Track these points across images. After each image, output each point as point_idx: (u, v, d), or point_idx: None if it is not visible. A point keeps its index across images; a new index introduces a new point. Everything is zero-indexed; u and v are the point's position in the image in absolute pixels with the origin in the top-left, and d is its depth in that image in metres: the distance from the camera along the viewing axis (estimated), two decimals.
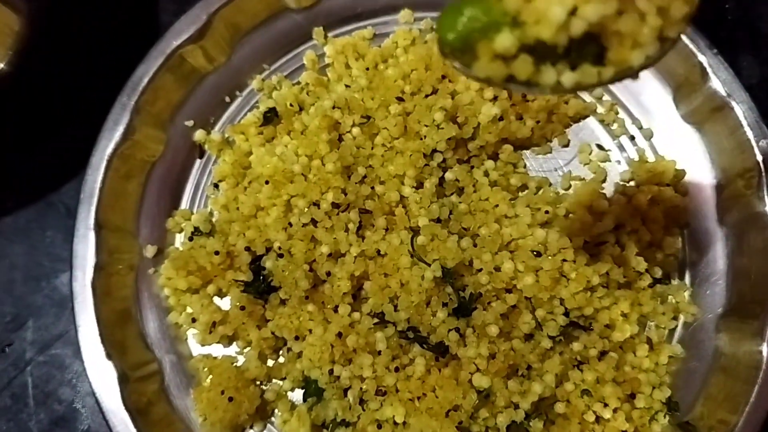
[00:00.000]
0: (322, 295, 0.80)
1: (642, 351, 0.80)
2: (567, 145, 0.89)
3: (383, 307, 0.77)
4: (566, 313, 0.78)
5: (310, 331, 0.79)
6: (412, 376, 0.76)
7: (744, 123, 0.82)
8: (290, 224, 0.81)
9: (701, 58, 0.83)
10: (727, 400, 0.78)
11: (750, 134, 0.81)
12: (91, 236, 0.79)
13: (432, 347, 0.76)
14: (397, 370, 0.76)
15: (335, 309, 0.79)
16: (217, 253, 0.80)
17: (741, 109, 0.82)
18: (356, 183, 0.82)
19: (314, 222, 0.80)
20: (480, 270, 0.78)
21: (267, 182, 0.82)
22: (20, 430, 0.84)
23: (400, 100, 0.83)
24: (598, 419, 0.78)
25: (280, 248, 0.80)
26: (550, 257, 0.78)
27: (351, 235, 0.80)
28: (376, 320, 0.78)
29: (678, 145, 0.88)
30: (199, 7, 0.85)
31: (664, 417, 0.79)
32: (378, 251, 0.80)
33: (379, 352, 0.77)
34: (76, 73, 0.92)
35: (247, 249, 0.81)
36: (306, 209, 0.80)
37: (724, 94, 0.82)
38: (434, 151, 0.82)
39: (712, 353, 0.81)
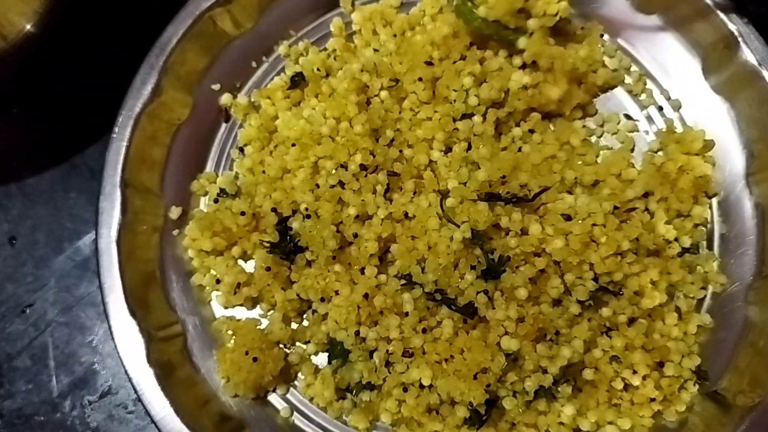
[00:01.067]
0: (349, 256, 0.79)
1: (671, 319, 0.79)
2: (594, 115, 0.88)
3: (411, 269, 0.77)
4: (595, 279, 0.77)
5: (336, 292, 0.78)
6: (440, 338, 0.75)
7: None
8: (317, 186, 0.80)
9: (732, 27, 0.83)
10: (756, 371, 0.77)
11: None
12: (117, 194, 0.79)
13: (460, 309, 0.75)
14: (424, 331, 0.75)
15: (362, 270, 0.78)
16: (243, 213, 0.80)
17: None
18: (384, 146, 0.81)
19: (341, 184, 0.79)
20: (508, 233, 0.77)
21: (294, 144, 0.82)
22: (40, 390, 0.83)
23: (429, 64, 0.83)
24: (627, 387, 0.77)
25: (307, 209, 0.79)
26: (579, 221, 0.77)
27: (378, 197, 0.79)
28: (403, 282, 0.77)
29: (707, 116, 0.87)
30: None
31: (694, 385, 0.78)
32: (406, 214, 0.79)
33: (407, 314, 0.76)
34: (102, 35, 0.92)
35: (274, 210, 0.80)
36: (333, 171, 0.79)
37: (755, 63, 0.82)
38: (464, 116, 0.82)
39: (741, 324, 0.80)
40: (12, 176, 0.89)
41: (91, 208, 0.80)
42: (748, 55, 0.82)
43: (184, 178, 0.86)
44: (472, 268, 0.76)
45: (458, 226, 0.76)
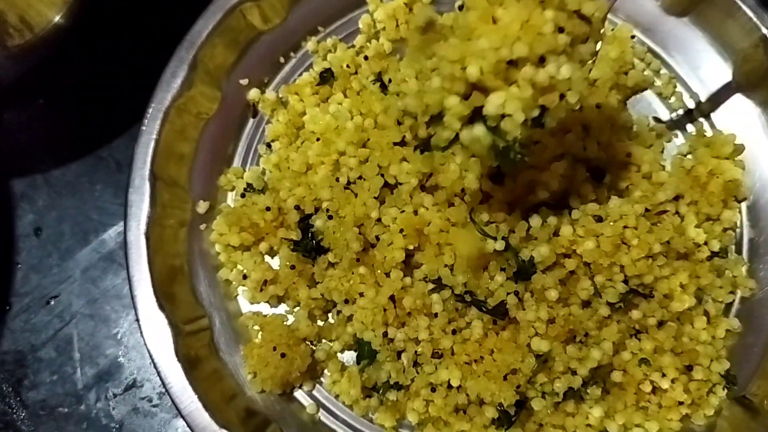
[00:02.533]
0: (373, 258, 0.79)
1: (700, 323, 0.79)
2: None
3: (440, 271, 0.76)
4: (625, 281, 0.76)
5: (361, 294, 0.78)
6: (470, 339, 0.75)
7: None
8: (338, 180, 0.80)
9: (765, 30, 0.82)
10: None
11: None
12: (147, 187, 0.78)
13: (490, 310, 0.75)
14: (454, 332, 0.75)
15: (387, 274, 0.78)
16: (268, 209, 0.80)
17: None
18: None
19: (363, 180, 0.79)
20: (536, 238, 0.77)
21: (318, 139, 0.81)
22: (65, 382, 0.83)
23: None
24: (655, 390, 0.77)
25: (328, 210, 0.79)
26: (611, 223, 0.76)
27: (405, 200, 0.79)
28: (432, 285, 0.77)
29: (737, 120, 0.86)
30: None
31: (723, 390, 0.78)
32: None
33: (436, 315, 0.76)
34: (131, 28, 0.92)
35: (297, 207, 0.80)
36: (352, 169, 0.79)
37: None
38: None
39: None
40: (38, 167, 0.89)
41: (117, 201, 0.80)
42: None
43: (212, 172, 0.85)
44: (502, 270, 0.76)
45: (495, 239, 0.75)
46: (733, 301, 0.82)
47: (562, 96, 0.59)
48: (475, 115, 0.60)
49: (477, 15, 0.57)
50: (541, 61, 0.57)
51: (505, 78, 0.57)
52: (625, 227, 0.76)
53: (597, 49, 0.61)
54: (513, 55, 0.56)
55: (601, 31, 0.61)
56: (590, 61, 0.61)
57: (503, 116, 0.58)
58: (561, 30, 0.57)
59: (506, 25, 0.56)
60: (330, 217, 0.79)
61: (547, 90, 0.58)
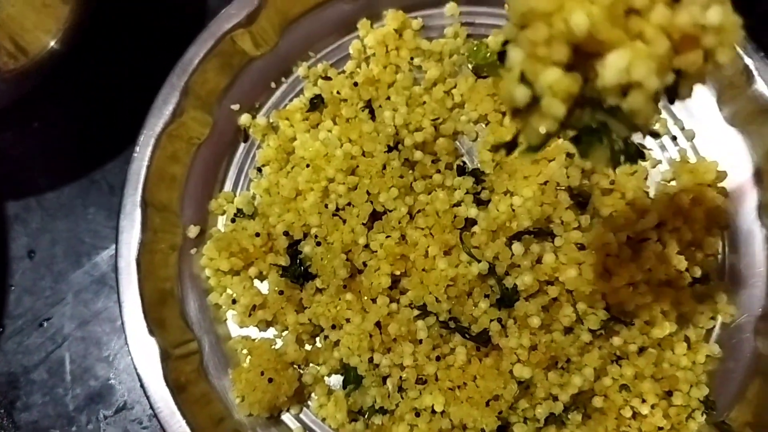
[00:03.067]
0: (360, 284, 0.80)
1: (680, 349, 0.80)
2: None
3: (425, 298, 0.78)
4: (607, 308, 0.78)
5: (348, 320, 0.79)
6: (453, 365, 0.76)
7: None
8: (327, 206, 0.81)
9: (747, 60, 0.84)
10: (764, 403, 0.78)
11: None
12: (138, 213, 0.80)
13: (473, 337, 0.76)
14: (438, 359, 0.77)
15: (374, 300, 0.79)
16: (258, 234, 0.81)
17: None
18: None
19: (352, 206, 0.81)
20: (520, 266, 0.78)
21: (308, 165, 0.83)
22: (56, 404, 0.84)
23: None
24: (635, 415, 0.78)
25: (317, 236, 0.80)
26: (593, 251, 0.78)
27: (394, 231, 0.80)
28: (417, 312, 0.78)
29: (720, 147, 0.88)
30: None
31: (702, 415, 0.79)
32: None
33: (420, 341, 0.77)
34: (125, 54, 0.93)
35: (286, 233, 0.82)
36: (341, 196, 0.81)
37: None
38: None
39: (750, 355, 0.81)
40: (32, 190, 0.90)
41: (110, 224, 0.81)
42: (762, 88, 0.83)
43: (203, 197, 0.87)
44: (486, 296, 0.77)
45: (479, 261, 0.77)
46: (714, 326, 0.83)
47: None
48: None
49: None
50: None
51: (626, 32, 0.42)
52: (607, 255, 0.78)
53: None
54: None
55: None
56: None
57: (624, 93, 0.42)
58: None
59: None
60: (318, 244, 0.80)
61: (686, 45, 0.42)
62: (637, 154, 0.48)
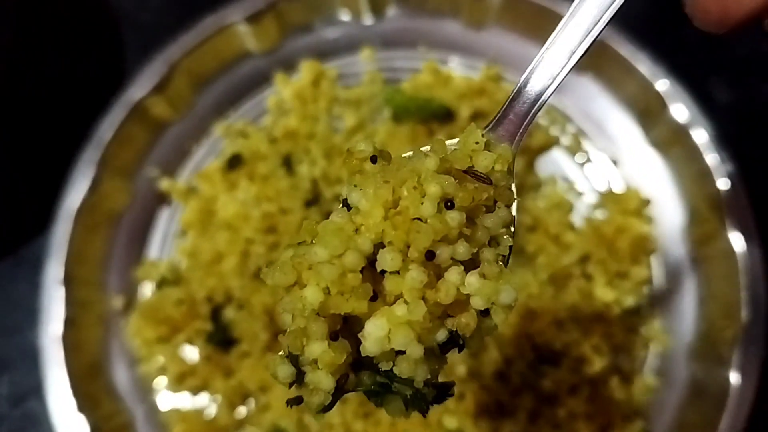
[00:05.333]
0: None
1: (614, 383, 0.80)
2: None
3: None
4: (535, 348, 0.78)
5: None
6: (382, 422, 0.76)
7: (704, 148, 0.82)
8: (247, 268, 0.81)
9: (659, 87, 0.84)
10: (701, 426, 0.77)
11: (710, 161, 0.81)
12: (60, 291, 0.80)
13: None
14: (366, 416, 0.76)
15: None
16: (182, 301, 0.81)
17: (701, 135, 0.82)
18: None
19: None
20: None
21: (227, 228, 0.83)
22: None
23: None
24: None
25: (239, 300, 0.80)
26: None
27: None
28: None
29: (645, 173, 0.88)
30: (160, 58, 0.86)
31: None
32: None
33: (347, 400, 0.77)
34: (40, 123, 0.93)
35: (209, 299, 0.81)
36: (261, 256, 0.81)
37: (683, 122, 0.83)
38: None
39: (685, 381, 0.81)
40: None
41: (39, 300, 0.81)
42: (675, 112, 0.83)
43: (128, 265, 0.86)
44: None
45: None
46: (646, 355, 0.83)
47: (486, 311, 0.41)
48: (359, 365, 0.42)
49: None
50: (430, 258, 0.40)
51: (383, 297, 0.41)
52: (529, 296, 0.78)
53: (513, 215, 0.45)
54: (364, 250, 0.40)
55: (512, 187, 0.45)
56: (506, 236, 0.44)
57: (398, 354, 0.41)
58: (450, 205, 0.41)
59: (366, 214, 0.40)
60: (241, 307, 0.80)
61: (456, 309, 0.41)
62: (438, 396, 0.44)
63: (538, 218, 0.85)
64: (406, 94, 0.89)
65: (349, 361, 0.41)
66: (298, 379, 0.42)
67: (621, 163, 0.89)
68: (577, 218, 0.87)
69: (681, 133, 0.83)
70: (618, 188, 0.88)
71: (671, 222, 0.86)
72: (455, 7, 0.91)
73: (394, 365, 0.41)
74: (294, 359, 0.41)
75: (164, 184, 0.88)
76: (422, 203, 0.40)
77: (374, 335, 0.40)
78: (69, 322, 0.80)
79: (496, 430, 0.76)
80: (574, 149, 0.90)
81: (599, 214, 0.87)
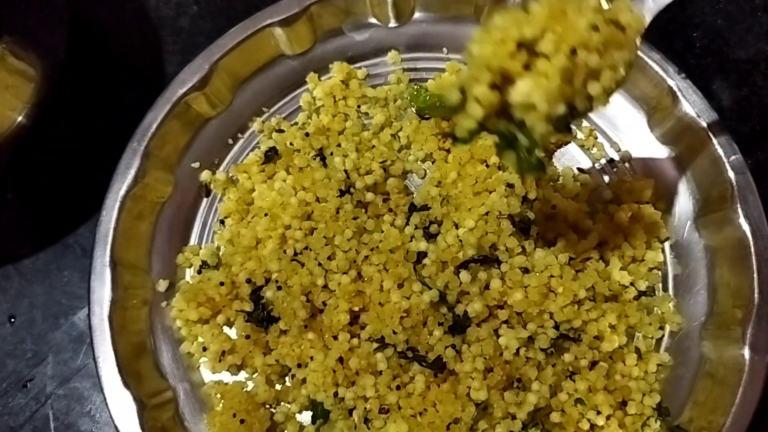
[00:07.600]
0: (321, 323, 0.84)
1: (631, 360, 0.84)
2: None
3: (383, 330, 0.82)
4: (556, 326, 0.82)
5: (312, 358, 0.83)
6: (413, 393, 0.80)
7: (714, 141, 0.87)
8: (285, 252, 0.86)
9: (671, 82, 0.89)
10: (714, 403, 0.81)
11: (720, 151, 0.86)
12: (107, 273, 0.84)
13: (430, 365, 0.80)
14: (398, 388, 0.80)
15: (335, 337, 0.83)
16: (222, 284, 0.85)
17: (711, 128, 0.87)
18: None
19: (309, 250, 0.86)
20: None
21: (266, 215, 0.88)
22: None
23: None
24: (593, 426, 0.82)
25: (277, 281, 0.85)
26: (537, 273, 0.82)
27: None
28: (376, 345, 0.82)
29: (655, 165, 0.93)
30: (201, 58, 0.92)
31: (656, 422, 0.83)
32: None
33: (381, 373, 0.81)
34: (89, 122, 0.99)
35: (248, 281, 0.86)
36: (297, 241, 0.86)
37: (694, 114, 0.88)
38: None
39: (698, 360, 0.85)
40: (9, 258, 0.95)
41: (84, 285, 0.85)
42: (687, 107, 0.89)
43: (170, 251, 0.91)
44: (440, 324, 0.82)
45: (430, 289, 0.81)
46: (663, 336, 0.88)
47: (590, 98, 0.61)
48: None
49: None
50: (573, 53, 0.58)
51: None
52: (551, 276, 0.83)
53: (630, 59, 0.62)
54: (528, 35, 0.57)
55: (637, 44, 0.63)
56: (622, 70, 0.62)
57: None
58: (596, 29, 0.58)
59: (537, 13, 0.58)
60: (279, 288, 0.85)
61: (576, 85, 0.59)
62: (539, 166, 0.65)
63: (557, 207, 0.90)
64: (430, 92, 0.94)
65: (497, 108, 0.61)
66: (461, 106, 0.62)
67: (634, 155, 0.94)
68: (594, 208, 0.92)
69: (691, 126, 0.89)
70: (631, 179, 0.93)
71: (682, 210, 0.91)
72: (476, 11, 0.97)
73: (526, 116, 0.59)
74: (463, 92, 0.62)
75: (204, 175, 0.93)
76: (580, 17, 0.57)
77: (521, 88, 0.58)
78: (115, 303, 0.84)
79: (521, 403, 0.80)
80: (590, 143, 0.95)
81: (615, 204, 0.91)
